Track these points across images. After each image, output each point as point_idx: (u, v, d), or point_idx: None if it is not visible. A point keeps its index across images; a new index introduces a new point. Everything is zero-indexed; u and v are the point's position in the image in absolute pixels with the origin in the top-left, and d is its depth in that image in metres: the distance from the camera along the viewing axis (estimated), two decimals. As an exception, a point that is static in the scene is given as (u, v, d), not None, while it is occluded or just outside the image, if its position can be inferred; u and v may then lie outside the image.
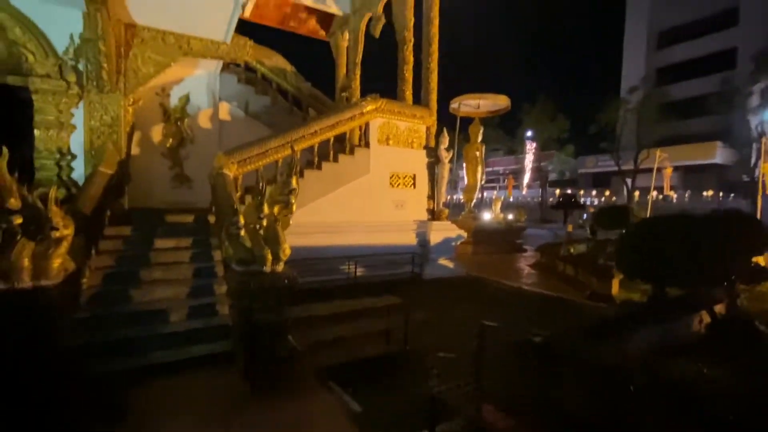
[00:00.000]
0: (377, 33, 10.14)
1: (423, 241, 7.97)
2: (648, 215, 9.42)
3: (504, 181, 40.50)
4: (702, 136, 29.57)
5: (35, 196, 3.00)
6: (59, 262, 3.02)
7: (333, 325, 4.10)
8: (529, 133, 34.81)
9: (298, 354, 3.45)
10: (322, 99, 9.59)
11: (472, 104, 12.46)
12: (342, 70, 12.00)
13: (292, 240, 4.25)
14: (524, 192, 39.06)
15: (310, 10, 12.04)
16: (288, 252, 3.78)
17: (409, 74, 8.86)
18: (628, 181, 24.93)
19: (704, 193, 25.18)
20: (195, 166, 7.70)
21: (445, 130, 8.21)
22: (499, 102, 11.91)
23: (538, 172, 34.97)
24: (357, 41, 11.18)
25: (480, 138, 12.16)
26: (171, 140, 7.51)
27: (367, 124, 7.58)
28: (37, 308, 2.90)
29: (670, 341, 3.41)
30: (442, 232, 8.12)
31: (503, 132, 35.91)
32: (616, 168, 25.79)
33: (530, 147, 36.34)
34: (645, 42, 36.04)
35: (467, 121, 13.36)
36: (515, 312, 5.65)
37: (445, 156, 8.25)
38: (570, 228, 12.94)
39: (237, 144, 6.47)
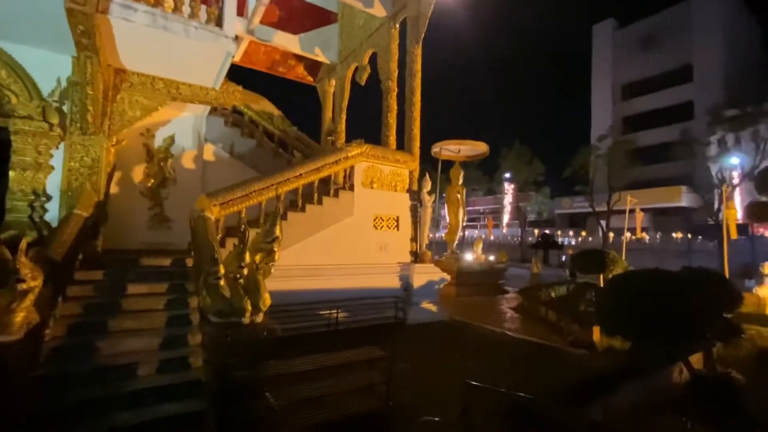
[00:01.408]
0: (363, 81, 10.62)
1: (406, 284, 7.92)
2: (623, 256, 9.71)
3: (484, 220, 41.36)
4: (668, 181, 31.41)
5: (3, 238, 2.87)
6: (23, 315, 2.83)
7: (313, 380, 3.92)
8: (507, 175, 36.14)
9: (275, 414, 3.25)
10: (308, 142, 9.79)
11: (453, 149, 12.94)
12: (328, 115, 12.38)
13: (272, 284, 4.15)
14: (504, 231, 39.87)
15: (299, 58, 12.59)
16: (268, 302, 3.67)
17: (393, 120, 9.22)
18: (603, 222, 25.86)
19: (674, 235, 26.28)
20: (176, 207, 7.57)
21: (427, 174, 8.44)
22: (478, 148, 12.42)
23: (517, 212, 35.96)
24: (343, 88, 11.66)
25: (461, 181, 12.53)
26: (152, 180, 7.42)
27: (351, 168, 7.73)
28: (-8, 368, 2.68)
29: (653, 395, 3.41)
30: (426, 274, 8.10)
31: (482, 173, 37.21)
32: (590, 209, 26.82)
33: (508, 188, 37.61)
34: (610, 94, 38.94)
35: (448, 162, 13.81)
36: (500, 361, 5.57)
37: (428, 199, 8.42)
38: (537, 267, 13.16)
39: (220, 185, 6.45)
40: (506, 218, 39.85)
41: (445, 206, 13.52)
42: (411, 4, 8.86)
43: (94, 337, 4.10)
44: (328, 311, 6.83)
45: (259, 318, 3.60)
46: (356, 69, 10.94)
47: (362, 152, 7.72)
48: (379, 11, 9.43)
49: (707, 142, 25.57)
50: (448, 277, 8.63)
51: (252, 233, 6.20)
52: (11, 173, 5.04)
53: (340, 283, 7.29)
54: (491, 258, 13.57)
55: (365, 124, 11.97)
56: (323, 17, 11.94)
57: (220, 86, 6.42)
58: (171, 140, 7.59)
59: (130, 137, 6.94)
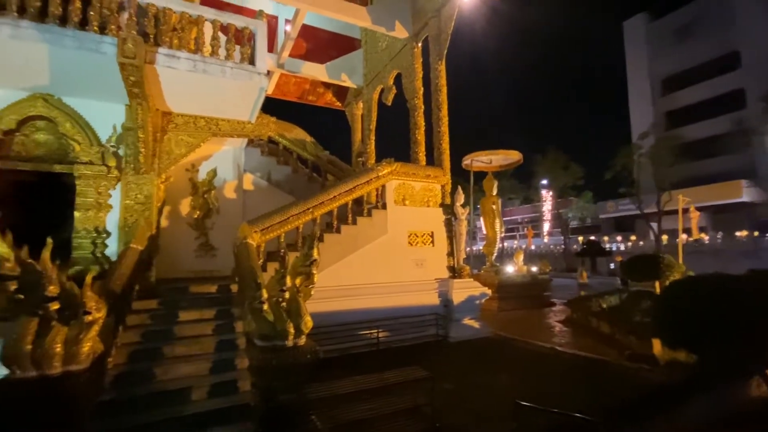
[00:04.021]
0: (389, 102, 10.84)
1: (446, 301, 7.78)
2: (680, 260, 9.01)
3: (523, 230, 40.01)
4: (722, 176, 28.97)
5: (71, 274, 3.14)
6: (89, 345, 3.07)
7: (357, 402, 3.90)
8: (543, 182, 34.96)
9: (322, 437, 3.26)
10: (339, 165, 10.05)
11: (484, 160, 12.76)
12: (357, 137, 12.69)
13: (312, 306, 4.23)
14: (545, 240, 38.29)
15: (327, 85, 13.10)
16: (310, 324, 3.74)
17: (421, 137, 9.29)
18: (653, 225, 24.21)
19: (737, 234, 24.04)
20: (220, 235, 7.99)
21: (459, 187, 8.36)
22: (511, 156, 12.17)
23: (558, 220, 34.51)
24: (370, 110, 11.94)
25: (495, 191, 12.28)
26: (198, 212, 7.90)
27: (383, 187, 7.82)
28: (64, 395, 2.91)
29: (726, 412, 3.09)
30: (466, 290, 7.93)
31: (517, 181, 36.24)
32: (638, 212, 25.23)
33: (546, 195, 36.29)
34: (649, 89, 37.04)
35: (481, 174, 13.62)
36: (550, 378, 5.28)
37: (462, 212, 8.30)
38: (584, 276, 12.32)
39: (260, 212, 6.74)
40: (546, 226, 38.31)
41: (481, 218, 13.27)
42: (432, 22, 9.03)
43: (151, 363, 4.34)
44: (368, 331, 6.83)
45: (302, 341, 3.67)
46: (382, 90, 11.21)
47: (393, 170, 7.81)
48: (401, 33, 9.69)
49: (765, 131, 23.52)
50: (489, 291, 8.39)
51: (291, 257, 6.41)
52: (76, 214, 5.56)
53: (379, 302, 7.29)
54: (533, 269, 13.04)
55: (394, 142, 12.15)
56: (347, 44, 12.42)
57: (255, 119, 6.79)
58: (213, 173, 8.08)
59: (177, 173, 7.47)
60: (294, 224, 6.78)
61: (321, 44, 11.91)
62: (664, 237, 24.14)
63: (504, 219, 14.76)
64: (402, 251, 7.79)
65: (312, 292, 3.96)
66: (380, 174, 7.62)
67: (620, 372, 5.35)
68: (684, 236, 15.15)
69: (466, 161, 12.31)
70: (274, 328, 3.64)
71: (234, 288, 6.07)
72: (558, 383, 5.05)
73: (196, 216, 7.92)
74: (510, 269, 12.41)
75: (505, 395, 4.31)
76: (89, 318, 2.98)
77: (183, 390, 4.08)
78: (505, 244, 32.48)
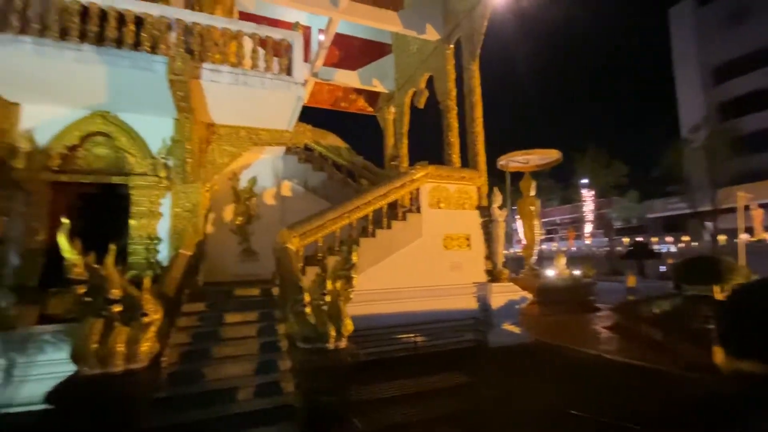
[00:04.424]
0: (421, 104, 10.83)
1: (484, 305, 7.60)
2: (742, 262, 8.30)
3: (563, 231, 38.44)
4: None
5: (126, 278, 3.37)
6: (148, 345, 3.28)
7: (398, 406, 3.89)
8: (584, 181, 33.45)
9: (364, 440, 3.28)
10: (373, 169, 10.13)
11: (521, 160, 12.41)
12: (390, 141, 12.75)
13: (349, 309, 4.27)
14: (587, 242, 36.55)
15: (359, 91, 13.28)
16: (350, 328, 3.79)
17: (455, 139, 9.20)
18: (708, 224, 22.46)
19: (810, 233, 21.77)
20: (260, 241, 8.29)
21: (496, 189, 8.17)
22: (549, 156, 11.75)
23: (601, 221, 32.87)
24: (402, 114, 11.98)
25: (533, 192, 11.90)
26: (240, 218, 8.24)
27: (417, 190, 7.80)
28: (126, 392, 3.11)
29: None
30: (505, 294, 7.71)
31: (555, 181, 34.93)
32: (690, 210, 23.52)
33: (587, 195, 34.68)
34: (699, 79, 34.54)
35: (517, 175, 13.25)
36: (598, 387, 5.00)
37: (499, 215, 8.10)
38: (633, 280, 11.57)
39: (298, 217, 6.91)
40: (588, 228, 36.57)
41: (517, 220, 12.91)
42: (464, 23, 8.94)
43: (200, 363, 4.55)
44: (405, 335, 6.80)
45: (343, 343, 3.72)
46: (414, 94, 11.22)
47: (427, 173, 7.77)
48: (432, 35, 9.66)
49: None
50: (529, 295, 8.11)
51: (330, 261, 6.52)
52: (131, 222, 5.96)
53: (415, 305, 7.24)
54: (576, 272, 12.47)
55: (427, 145, 12.11)
56: (379, 50, 12.56)
57: (293, 128, 7.00)
58: (254, 181, 8.42)
59: (220, 182, 7.84)
60: (331, 229, 6.89)
61: (353, 51, 12.12)
62: (722, 237, 22.33)
63: (542, 220, 14.25)
64: (438, 255, 7.71)
65: (351, 296, 4.01)
66: (414, 177, 7.60)
67: (676, 381, 4.99)
68: (745, 236, 13.94)
69: (502, 162, 12.02)
70: (316, 331, 3.72)
71: (275, 291, 6.26)
72: (607, 392, 4.78)
73: (238, 222, 8.26)
74: (551, 273, 11.94)
75: (550, 403, 4.14)
76: (147, 319, 3.19)
77: (230, 390, 4.24)
78: (544, 246, 31.32)
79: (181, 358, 4.58)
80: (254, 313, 5.66)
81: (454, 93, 9.35)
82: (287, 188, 9.16)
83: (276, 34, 5.86)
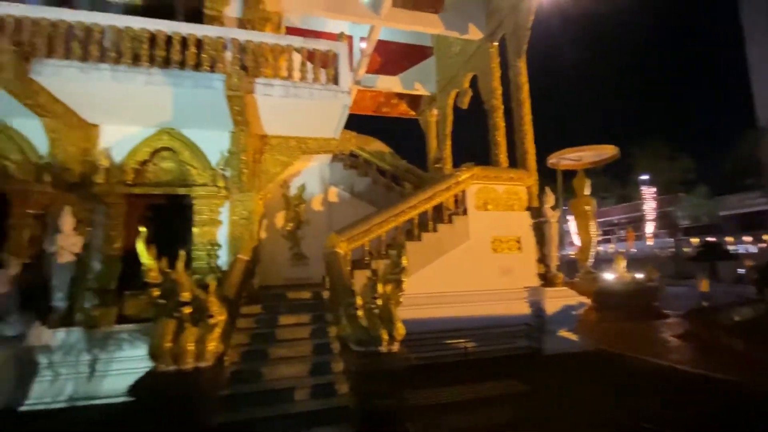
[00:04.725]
0: (465, 105, 10.67)
1: (538, 311, 7.27)
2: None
3: (620, 232, 35.89)
4: None
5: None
6: (214, 345, 3.49)
7: (452, 413, 3.83)
8: (644, 177, 31.06)
9: (419, 445, 3.26)
10: (417, 173, 10.13)
11: (573, 157, 11.79)
12: (433, 143, 12.68)
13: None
14: (649, 243, 33.82)
15: (401, 96, 13.36)
16: (402, 332, 3.79)
17: (501, 138, 8.95)
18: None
19: None
20: (310, 245, 8.58)
21: (547, 188, 7.82)
22: (604, 152, 11.06)
23: (665, 219, 30.31)
24: (445, 115, 11.86)
25: (588, 191, 11.25)
26: (291, 224, 8.59)
27: (463, 192, 7.66)
28: (195, 388, 3.34)
29: None
30: (560, 299, 7.34)
31: (611, 178, 32.75)
32: (773, 206, 21.01)
33: (648, 192, 32.13)
34: (778, 61, 30.82)
35: (569, 173, 12.60)
36: (674, 402, 4.59)
37: (552, 215, 7.74)
38: (706, 285, 10.48)
39: (344, 222, 7.06)
40: (650, 227, 33.84)
41: (569, 221, 12.27)
42: (508, 19, 8.70)
43: (259, 363, 4.78)
44: (454, 340, 6.68)
45: (395, 347, 3.73)
46: (457, 95, 11.08)
47: (473, 175, 7.62)
48: (475, 35, 9.50)
49: None
50: (587, 300, 7.65)
51: (377, 264, 6.59)
52: (194, 229, 6.42)
53: (463, 310, 7.09)
54: (639, 275, 11.58)
55: (471, 146, 11.88)
56: (420, 54, 12.56)
57: (339, 135, 7.19)
58: (303, 188, 8.75)
59: (272, 190, 8.21)
60: (377, 233, 6.96)
61: (394, 57, 12.22)
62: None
63: (597, 221, 13.39)
64: (486, 258, 7.51)
65: (401, 300, 4.01)
66: (460, 179, 7.48)
67: (765, 397, 4.45)
68: None
69: (552, 160, 11.50)
70: (369, 334, 3.76)
71: (325, 295, 6.43)
72: (684, 407, 4.37)
73: (289, 228, 8.61)
74: (610, 276, 11.18)
75: (618, 416, 3.86)
76: (213, 321, 3.40)
77: (287, 390, 4.40)
78: (600, 248, 29.42)
79: (241, 358, 4.83)
80: (307, 316, 5.84)
81: (499, 91, 9.11)
82: (334, 194, 9.40)
83: (322, 45, 6.07)
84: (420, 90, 12.37)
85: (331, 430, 4.00)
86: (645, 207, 32.92)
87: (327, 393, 4.44)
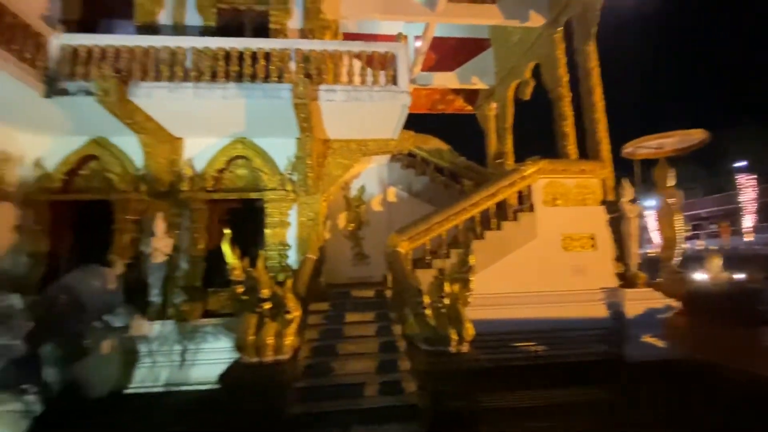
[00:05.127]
0: (527, 96, 10.18)
1: (617, 314, 6.71)
2: None
3: (710, 227, 31.78)
4: None
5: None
6: (290, 339, 3.71)
7: (527, 418, 3.67)
8: (741, 164, 27.22)
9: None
10: (476, 169, 9.86)
11: (652, 145, 10.66)
12: (492, 138, 12.26)
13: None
14: (748, 239, 29.53)
15: (457, 91, 13.10)
16: (472, 332, 3.72)
17: (569, 129, 8.40)
18: None
19: None
20: (370, 245, 8.75)
21: (624, 180, 7.18)
22: (691, 137, 9.83)
23: (767, 212, 26.27)
24: (505, 108, 11.42)
25: (672, 182, 10.10)
26: (352, 224, 8.85)
27: (529, 188, 7.30)
28: (275, 379, 3.57)
29: None
30: (642, 301, 6.70)
31: (698, 167, 29.14)
32: None
33: (745, 181, 28.09)
34: None
35: (648, 162, 11.43)
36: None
37: (630, 210, 7.09)
38: None
39: (403, 222, 7.08)
40: (749, 221, 29.54)
41: (647, 216, 11.12)
42: (574, 2, 8.13)
43: (329, 358, 4.97)
44: (521, 343, 6.39)
45: (465, 348, 3.67)
46: (518, 86, 10.60)
47: (539, 169, 7.23)
48: (536, 22, 9.02)
49: None
50: (675, 303, 6.90)
51: (438, 263, 6.53)
52: (266, 231, 6.87)
53: (531, 312, 6.75)
54: (738, 276, 10.16)
55: (533, 139, 11.30)
56: (476, 47, 12.21)
57: (398, 136, 7.25)
58: (362, 189, 8.97)
59: (333, 192, 8.51)
60: (437, 232, 6.88)
61: (449, 52, 12.02)
62: None
63: (684, 214, 11.95)
64: (556, 257, 7.09)
65: (470, 300, 3.93)
66: (525, 174, 7.14)
67: None
68: None
69: (628, 149, 10.47)
70: (437, 333, 3.74)
71: (388, 293, 6.52)
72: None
73: (350, 228, 8.87)
74: (702, 276, 9.94)
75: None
76: (290, 316, 3.61)
77: (357, 385, 4.52)
78: (686, 245, 26.31)
79: (312, 353, 5.06)
80: (371, 314, 5.96)
81: (565, 79, 8.55)
82: (392, 194, 9.49)
83: (381, 48, 6.15)
84: (477, 84, 12.02)
85: (400, 427, 4.03)
86: (742, 198, 28.82)
87: (395, 390, 4.49)
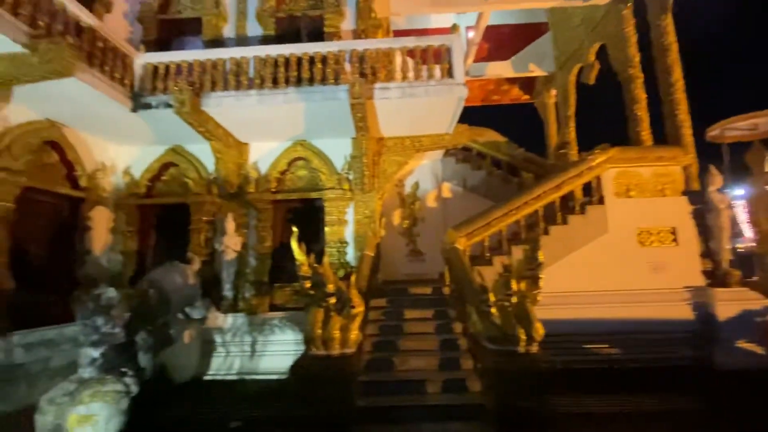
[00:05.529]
0: (592, 80, 9.50)
1: (704, 316, 6.03)
2: None
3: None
4: None
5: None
6: (355, 333, 3.79)
7: (603, 425, 3.43)
8: None
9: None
10: (537, 161, 9.37)
11: (743, 126, 9.41)
12: (552, 128, 11.61)
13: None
14: None
15: (512, 80, 12.56)
16: (542, 332, 3.54)
17: (642, 113, 7.68)
18: None
19: None
20: (425, 242, 8.70)
21: (712, 167, 6.41)
22: (794, 114, 8.53)
23: None
24: (566, 95, 10.74)
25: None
26: (406, 221, 8.85)
27: (598, 178, 6.79)
28: (342, 372, 3.67)
29: None
30: (736, 302, 5.95)
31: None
32: None
33: None
34: None
35: (739, 146, 10.11)
36: None
37: (719, 200, 6.31)
38: None
39: (459, 218, 6.94)
40: None
41: (736, 207, 9.85)
42: (646, -28, 7.40)
43: (390, 353, 5.01)
44: (592, 345, 5.97)
45: (534, 348, 3.50)
46: (581, 70, 9.90)
47: (609, 158, 6.69)
48: (600, -1, 8.34)
49: None
50: (777, 304, 6.04)
51: (497, 260, 6.32)
52: (326, 229, 7.11)
53: (601, 312, 6.28)
54: None
55: (599, 127, 10.50)
56: (533, 32, 11.60)
57: (452, 130, 7.11)
58: (416, 186, 8.93)
59: (388, 189, 8.56)
60: (497, 227, 6.65)
61: (504, 40, 11.54)
62: None
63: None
64: (630, 253, 6.52)
65: (539, 298, 3.74)
66: (593, 164, 6.65)
67: None
68: None
69: (713, 132, 9.36)
70: (503, 333, 3.62)
71: (446, 290, 6.43)
72: None
73: (405, 225, 8.88)
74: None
75: None
76: (355, 311, 3.69)
77: (419, 381, 4.51)
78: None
79: (374, 348, 5.14)
80: (430, 311, 5.92)
81: (637, 59, 7.82)
82: (447, 190, 9.34)
83: (435, 41, 6.06)
84: (535, 71, 11.42)
85: (466, 426, 3.96)
86: None
87: (458, 388, 4.41)
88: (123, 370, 4.14)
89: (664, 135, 7.20)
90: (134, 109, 6.15)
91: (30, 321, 5.22)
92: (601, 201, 6.75)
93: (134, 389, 4.04)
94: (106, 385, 3.77)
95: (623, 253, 6.50)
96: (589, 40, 9.31)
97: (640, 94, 7.67)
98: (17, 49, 4.43)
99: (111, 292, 4.42)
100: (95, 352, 3.79)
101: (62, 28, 4.90)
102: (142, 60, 6.35)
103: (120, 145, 7.30)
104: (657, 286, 6.33)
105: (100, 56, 5.61)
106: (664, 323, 6.11)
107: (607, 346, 5.81)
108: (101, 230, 7.01)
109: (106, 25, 5.97)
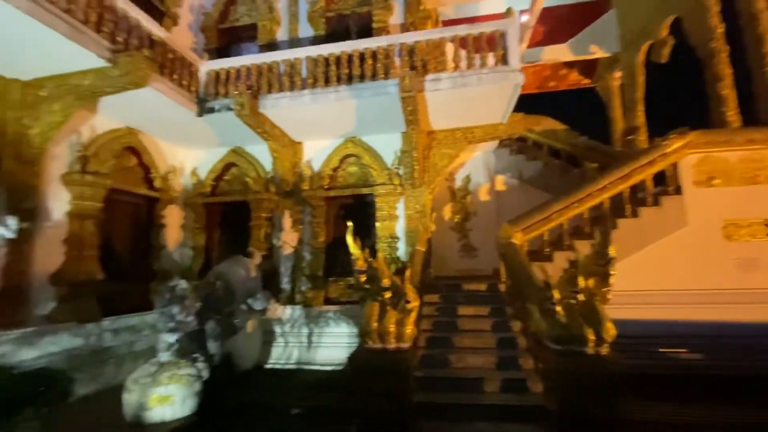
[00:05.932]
0: (665, 58, 8.60)
1: (810, 320, 5.25)
2: None
3: None
4: None
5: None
6: (410, 328, 3.77)
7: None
8: None
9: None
10: (601, 149, 8.69)
11: None
12: (617, 113, 10.72)
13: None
14: None
15: (570, 64, 11.78)
16: (613, 332, 3.27)
17: (728, 91, 6.79)
18: None
19: None
20: (478, 237, 8.44)
21: (819, 149, 5.54)
22: None
23: None
24: (634, 76, 9.81)
25: None
26: (458, 216, 8.65)
27: (674, 166, 6.15)
28: (399, 366, 3.66)
29: None
30: None
31: None
32: None
33: None
34: None
35: None
36: None
37: (829, 187, 5.44)
38: None
39: (513, 212, 6.63)
40: None
41: None
42: (733, -70, 6.52)
43: (445, 350, 4.92)
44: (671, 348, 5.44)
45: (604, 350, 3.25)
46: (651, 47, 8.99)
47: (687, 143, 6.02)
48: (676, -34, 7.50)
49: None
50: None
51: (558, 256, 5.97)
52: (377, 224, 7.15)
53: (679, 313, 5.70)
54: None
55: (669, 110, 9.49)
56: (593, 11, 10.75)
57: (507, 119, 6.80)
58: (468, 179, 8.69)
59: (439, 183, 8.42)
60: (557, 221, 6.27)
61: (561, 22, 10.82)
62: None
63: None
64: (714, 248, 5.84)
65: (610, 296, 3.46)
66: (668, 150, 6.02)
67: None
68: None
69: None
70: (569, 332, 3.39)
71: (501, 287, 6.19)
72: None
73: (456, 220, 8.68)
74: None
75: None
76: (410, 306, 3.66)
77: (476, 380, 4.38)
78: None
79: (428, 344, 5.09)
80: (485, 308, 5.73)
81: (720, 31, 6.93)
82: (500, 182, 8.99)
83: (488, 27, 5.82)
84: (597, 53, 10.59)
85: (526, 428, 3.78)
86: None
87: (518, 389, 4.23)
88: (195, 355, 4.47)
89: (754, 116, 6.33)
90: (199, 114, 6.59)
91: (116, 309, 5.82)
92: (678, 191, 6.11)
93: (205, 374, 4.35)
94: (181, 368, 4.09)
95: (706, 248, 5.85)
96: (660, 14, 8.41)
97: (725, 69, 6.79)
98: (101, 63, 4.91)
99: (183, 284, 4.79)
100: (171, 338, 4.12)
101: (137, 42, 5.37)
102: (206, 67, 6.78)
103: (187, 148, 7.88)
104: (746, 285, 5.63)
105: (170, 66, 6.07)
106: (757, 327, 5.42)
107: (686, 350, 5.26)
108: (173, 227, 7.64)
109: (174, 37, 6.44)
